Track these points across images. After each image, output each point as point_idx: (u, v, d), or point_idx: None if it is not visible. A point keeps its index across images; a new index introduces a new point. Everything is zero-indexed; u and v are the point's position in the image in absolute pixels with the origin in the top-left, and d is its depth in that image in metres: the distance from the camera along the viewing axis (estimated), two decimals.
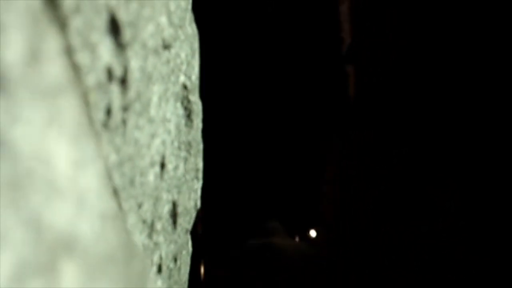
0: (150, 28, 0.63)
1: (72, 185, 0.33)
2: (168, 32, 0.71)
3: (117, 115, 0.55)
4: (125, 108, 0.57)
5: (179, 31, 0.76)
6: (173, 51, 0.73)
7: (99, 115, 0.51)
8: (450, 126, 3.25)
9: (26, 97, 0.30)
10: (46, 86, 0.32)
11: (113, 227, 0.41)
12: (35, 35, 0.32)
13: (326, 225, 3.97)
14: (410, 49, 3.44)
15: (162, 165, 0.70)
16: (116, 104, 0.55)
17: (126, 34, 0.56)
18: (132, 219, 0.61)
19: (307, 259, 3.44)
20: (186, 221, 0.81)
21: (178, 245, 0.78)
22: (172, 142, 0.74)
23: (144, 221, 0.64)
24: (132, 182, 0.59)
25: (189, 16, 0.82)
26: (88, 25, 0.48)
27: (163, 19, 0.69)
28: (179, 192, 0.77)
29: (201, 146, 0.87)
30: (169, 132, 0.72)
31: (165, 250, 0.73)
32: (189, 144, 0.81)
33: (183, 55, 0.78)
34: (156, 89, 0.66)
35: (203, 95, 0.90)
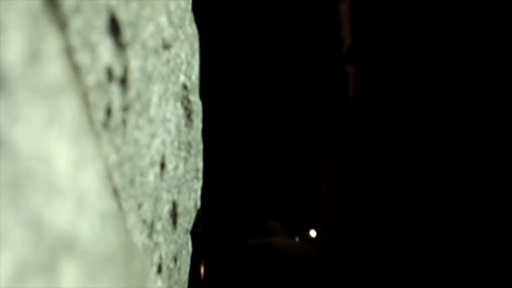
0: (150, 28, 0.63)
1: (72, 185, 0.33)
2: (168, 32, 0.71)
3: (117, 115, 0.55)
4: (125, 108, 0.57)
5: (179, 31, 0.76)
6: (173, 51, 0.73)
7: (99, 115, 0.51)
8: (450, 126, 3.24)
9: (26, 97, 0.30)
10: (46, 86, 0.32)
11: (113, 227, 0.41)
12: (35, 35, 0.32)
13: (326, 225, 3.96)
14: (410, 49, 3.44)
15: (162, 165, 0.70)
16: (116, 104, 0.55)
17: (126, 34, 0.56)
18: (132, 219, 0.61)
19: (307, 259, 3.43)
20: (186, 221, 0.81)
21: (178, 245, 0.78)
22: (172, 142, 0.74)
23: (144, 221, 0.64)
24: (132, 182, 0.59)
25: (189, 16, 0.82)
26: (88, 25, 0.48)
27: (163, 19, 0.69)
28: (179, 192, 0.77)
29: (201, 146, 0.87)
30: (169, 132, 0.72)
31: (165, 250, 0.73)
32: (189, 144, 0.81)
33: (183, 55, 0.78)
34: (156, 89, 0.66)
35: (203, 95, 0.90)
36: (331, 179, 3.86)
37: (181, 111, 0.78)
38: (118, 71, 0.55)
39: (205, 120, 0.90)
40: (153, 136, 0.66)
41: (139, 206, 0.62)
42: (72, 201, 0.33)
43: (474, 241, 3.02)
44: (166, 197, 0.72)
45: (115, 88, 0.54)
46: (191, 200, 0.83)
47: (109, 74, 0.53)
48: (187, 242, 0.84)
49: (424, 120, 3.31)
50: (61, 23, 0.43)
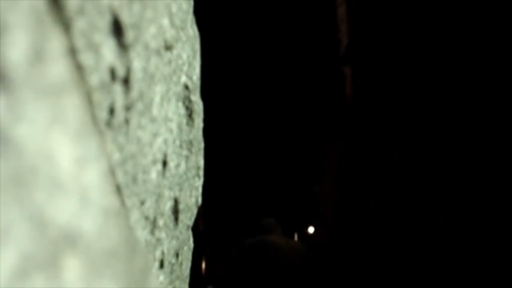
0: (152, 29, 0.63)
1: (75, 182, 0.33)
2: (170, 34, 0.70)
3: (120, 114, 0.55)
4: (128, 108, 0.57)
5: (181, 32, 0.76)
6: (175, 52, 0.73)
7: (103, 114, 0.51)
8: (449, 126, 3.22)
9: (30, 96, 0.30)
10: (50, 86, 0.32)
11: (115, 223, 0.40)
12: (39, 35, 0.32)
13: (326, 225, 3.94)
14: (407, 50, 3.43)
15: (164, 163, 0.69)
16: (119, 103, 0.54)
17: (129, 35, 0.56)
18: (135, 216, 0.60)
19: (303, 256, 3.40)
20: (188, 217, 0.81)
21: (180, 241, 0.78)
22: (174, 141, 0.74)
23: (146, 218, 0.64)
24: (135, 180, 0.59)
25: (190, 18, 0.81)
26: (92, 26, 0.47)
27: (165, 21, 0.68)
28: (180, 190, 0.76)
29: (202, 145, 0.87)
30: (171, 131, 0.72)
31: (167, 246, 0.73)
32: (190, 143, 0.80)
33: (184, 56, 0.77)
34: (158, 89, 0.66)
35: (204, 95, 0.89)
36: (332, 179, 3.84)
37: (182, 110, 0.78)
38: (121, 72, 0.54)
39: (206, 120, 0.90)
40: (155, 135, 0.66)
41: (142, 203, 0.62)
42: (75, 198, 0.33)
43: (475, 240, 2.99)
44: (168, 194, 0.71)
45: (118, 88, 0.54)
46: (192, 197, 0.82)
47: (112, 74, 0.52)
48: (189, 238, 0.84)
49: (424, 120, 3.29)
50: (65, 24, 0.43)
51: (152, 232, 0.67)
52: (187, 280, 0.84)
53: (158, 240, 0.69)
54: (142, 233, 0.63)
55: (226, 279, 3.47)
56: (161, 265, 0.71)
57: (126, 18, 0.55)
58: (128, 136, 0.57)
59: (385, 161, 3.34)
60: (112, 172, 0.50)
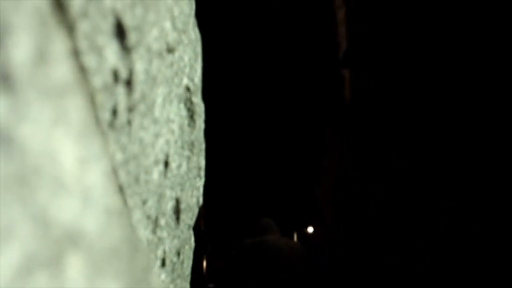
0: (154, 32, 0.63)
1: (77, 181, 0.33)
2: (172, 37, 0.70)
3: (122, 115, 0.55)
4: (131, 109, 0.57)
5: (183, 35, 0.75)
6: (176, 54, 0.73)
7: (106, 116, 0.51)
8: (448, 128, 3.21)
9: (34, 96, 0.30)
10: (53, 87, 0.32)
11: (118, 222, 0.40)
12: (43, 37, 0.32)
13: (325, 225, 3.92)
14: (406, 53, 3.43)
15: (166, 164, 0.69)
16: (122, 105, 0.54)
17: (132, 38, 0.56)
18: (137, 215, 0.60)
19: (301, 257, 3.38)
20: (189, 217, 0.81)
21: (181, 240, 0.78)
22: (176, 142, 0.73)
23: (148, 217, 0.64)
24: (137, 180, 0.59)
25: (192, 21, 0.81)
26: (95, 29, 0.47)
27: (167, 24, 0.68)
28: (182, 190, 0.76)
29: (203, 146, 0.87)
30: (172, 132, 0.72)
31: (169, 245, 0.73)
32: (191, 144, 0.80)
33: (186, 58, 0.77)
34: (160, 91, 0.66)
35: (205, 97, 0.89)
36: (331, 181, 3.83)
37: (184, 112, 0.78)
38: (123, 74, 0.54)
39: (207, 121, 0.90)
40: (157, 135, 0.65)
41: (144, 202, 0.62)
42: (78, 197, 0.33)
43: (475, 242, 2.96)
44: (169, 194, 0.71)
45: (121, 89, 0.54)
46: (193, 197, 0.82)
47: (115, 76, 0.52)
48: (190, 237, 0.83)
49: (422, 122, 3.28)
50: (69, 27, 0.42)
51: (154, 231, 0.66)
52: (188, 278, 0.84)
53: (160, 239, 0.69)
54: (144, 232, 0.63)
55: (226, 279, 3.46)
56: (163, 263, 0.71)
57: (128, 21, 0.55)
58: (131, 137, 0.57)
59: (384, 162, 3.32)
60: (114, 172, 0.50)
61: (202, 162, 0.86)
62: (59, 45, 0.35)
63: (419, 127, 3.26)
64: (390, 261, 3.17)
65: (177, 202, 0.75)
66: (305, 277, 3.26)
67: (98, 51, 0.48)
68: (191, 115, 0.81)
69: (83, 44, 0.45)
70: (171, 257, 0.74)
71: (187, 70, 0.78)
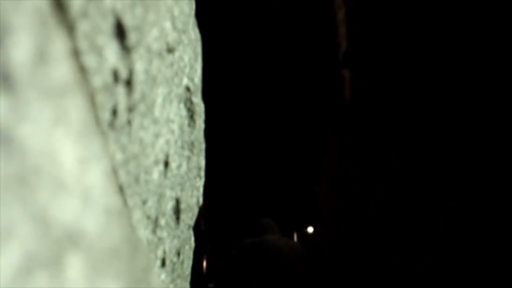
0: (154, 32, 0.63)
1: (77, 181, 0.33)
2: (172, 37, 0.70)
3: (122, 115, 0.55)
4: (131, 109, 0.57)
5: (183, 35, 0.75)
6: (176, 54, 0.73)
7: (106, 116, 0.51)
8: (448, 128, 3.20)
9: (34, 96, 0.30)
10: (53, 87, 0.32)
11: (118, 222, 0.40)
12: (43, 37, 0.32)
13: (325, 225, 3.92)
14: (405, 53, 3.42)
15: (166, 164, 0.69)
16: (122, 105, 0.54)
17: (132, 38, 0.56)
18: (137, 215, 0.60)
19: (306, 258, 3.37)
20: (189, 217, 0.81)
21: (181, 240, 0.78)
22: (176, 142, 0.73)
23: (148, 217, 0.64)
24: (137, 180, 0.59)
25: (192, 21, 0.81)
26: (95, 29, 0.47)
27: (167, 24, 0.68)
28: (182, 190, 0.76)
29: (203, 146, 0.87)
30: (172, 132, 0.72)
31: (169, 245, 0.73)
32: (191, 144, 0.80)
33: (186, 58, 0.77)
34: (160, 91, 0.66)
35: (205, 97, 0.89)
36: (331, 181, 3.82)
37: (184, 112, 0.78)
38: (123, 74, 0.54)
39: (207, 121, 0.90)
40: (157, 135, 0.65)
41: (144, 202, 0.62)
42: (78, 197, 0.33)
43: (475, 241, 2.95)
44: (169, 194, 0.71)
45: (121, 89, 0.54)
46: (193, 197, 0.82)
47: (115, 76, 0.52)
48: (190, 237, 0.83)
49: (422, 122, 3.27)
50: (69, 27, 0.42)
51: (154, 231, 0.66)
52: (188, 278, 0.84)
53: (160, 239, 0.69)
54: (144, 232, 0.63)
55: (226, 279, 3.45)
56: (163, 263, 0.71)
57: (129, 21, 0.55)
58: (131, 137, 0.57)
59: (384, 162, 3.31)
60: (114, 172, 0.50)
61: (202, 162, 0.86)
62: (59, 45, 0.35)
63: (419, 127, 3.25)
64: (390, 261, 3.16)
65: (177, 202, 0.75)
66: (304, 277, 3.25)
67: (98, 51, 0.48)
68: (191, 115, 0.80)
69: (83, 44, 0.45)
70: (171, 257, 0.74)
71: (187, 70, 0.78)
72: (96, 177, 0.36)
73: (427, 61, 3.29)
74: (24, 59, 0.29)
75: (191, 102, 0.80)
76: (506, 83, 2.99)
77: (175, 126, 0.73)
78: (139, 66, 0.58)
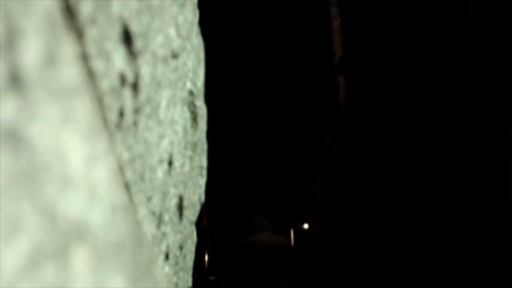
0: (160, 39, 0.63)
1: (84, 178, 0.33)
2: (176, 43, 0.70)
3: (129, 117, 0.54)
4: (136, 111, 0.57)
5: (186, 42, 0.75)
6: (180, 60, 0.73)
7: (113, 117, 0.50)
8: (443, 129, 3.17)
9: (43, 97, 0.29)
10: (62, 88, 0.32)
11: (123, 217, 0.40)
12: (52, 41, 0.31)
13: (322, 225, 3.90)
14: (399, 61, 3.42)
15: (170, 163, 0.69)
16: (128, 107, 0.54)
17: (138, 44, 0.55)
18: (142, 211, 0.60)
19: (294, 255, 3.35)
20: (191, 213, 0.81)
21: (184, 235, 0.78)
22: (179, 142, 0.73)
23: (153, 213, 0.64)
24: (142, 178, 0.59)
25: (195, 28, 0.81)
26: (103, 35, 0.47)
27: (172, 31, 0.68)
28: (185, 187, 0.76)
29: (205, 146, 0.87)
30: (176, 133, 0.71)
31: (172, 240, 0.72)
32: (194, 144, 0.80)
33: (189, 63, 0.77)
34: (165, 94, 0.66)
35: (208, 100, 0.89)
36: (327, 182, 3.81)
37: (187, 114, 0.77)
38: (130, 77, 0.54)
39: (209, 123, 0.90)
40: (161, 136, 0.65)
41: (149, 199, 0.62)
42: (85, 193, 0.32)
43: (470, 241, 2.90)
44: (173, 191, 0.71)
45: (127, 92, 0.54)
46: (196, 194, 0.82)
47: (122, 79, 0.52)
48: (192, 233, 0.83)
49: (416, 123, 3.25)
50: (78, 32, 0.42)
51: (158, 226, 0.66)
52: (191, 271, 0.84)
53: (164, 234, 0.69)
54: (148, 228, 0.63)
55: (226, 278, 3.45)
56: (166, 257, 0.71)
57: (135, 28, 0.54)
58: (136, 137, 0.57)
59: (379, 163, 3.29)
60: (121, 170, 0.50)
61: (204, 162, 0.86)
62: (68, 49, 0.34)
63: (412, 129, 3.23)
64: (385, 260, 3.13)
65: (180, 199, 0.75)
66: (293, 273, 3.24)
67: (106, 56, 0.48)
68: (194, 117, 0.80)
69: (91, 49, 0.45)
70: (174, 251, 0.74)
71: (190, 74, 0.78)
72: (102, 174, 0.36)
73: (420, 69, 3.29)
74: (33, 62, 0.29)
75: (194, 105, 0.80)
76: (500, 86, 2.97)
77: (178, 128, 0.72)
78: (145, 71, 0.58)
